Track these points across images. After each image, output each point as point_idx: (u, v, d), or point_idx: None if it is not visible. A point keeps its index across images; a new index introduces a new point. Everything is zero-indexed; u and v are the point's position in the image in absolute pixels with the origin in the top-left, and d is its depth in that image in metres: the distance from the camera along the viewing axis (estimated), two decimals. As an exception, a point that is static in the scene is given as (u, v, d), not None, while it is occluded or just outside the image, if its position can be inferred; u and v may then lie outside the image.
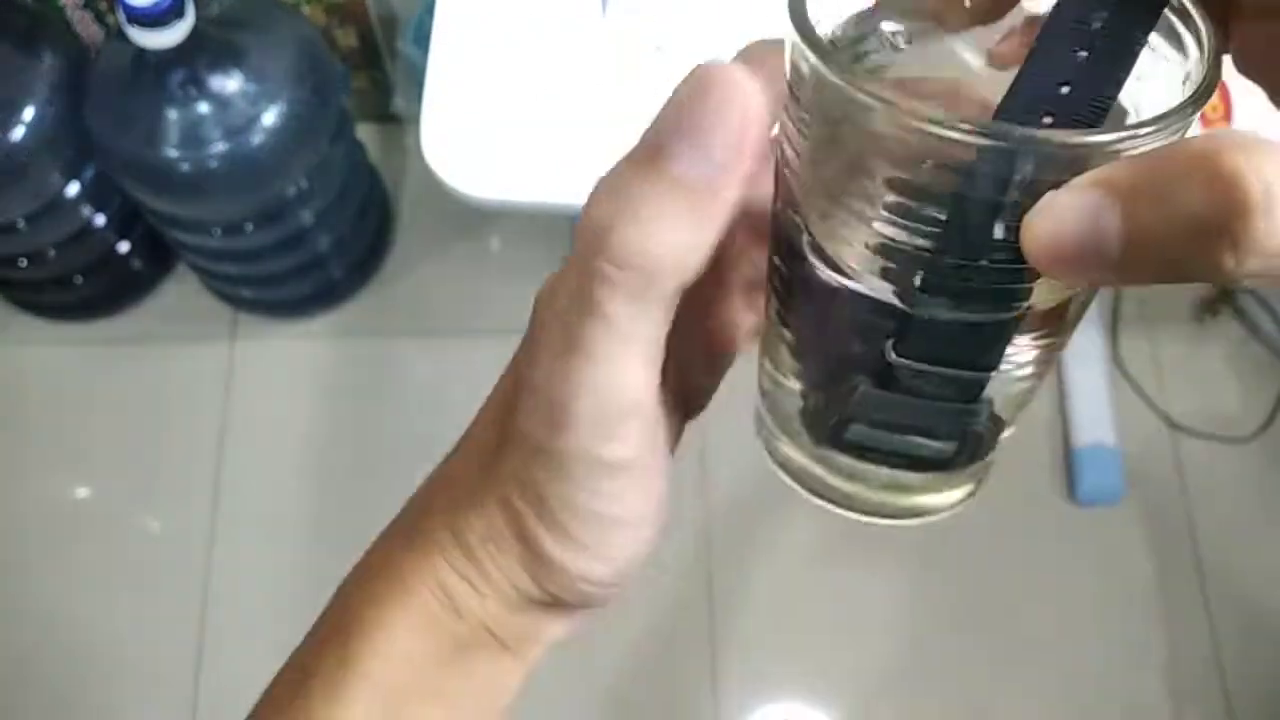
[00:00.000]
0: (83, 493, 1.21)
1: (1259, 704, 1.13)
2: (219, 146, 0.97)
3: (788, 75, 0.22)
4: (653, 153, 0.20)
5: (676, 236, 0.20)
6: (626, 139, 0.22)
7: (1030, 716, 1.14)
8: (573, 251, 0.22)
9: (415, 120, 0.77)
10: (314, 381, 1.25)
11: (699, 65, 0.20)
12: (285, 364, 1.26)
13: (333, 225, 1.17)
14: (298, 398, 1.24)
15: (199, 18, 0.91)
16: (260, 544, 1.17)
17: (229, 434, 1.22)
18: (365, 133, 1.26)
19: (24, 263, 1.16)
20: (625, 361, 0.22)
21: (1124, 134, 0.18)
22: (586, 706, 1.12)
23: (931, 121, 0.18)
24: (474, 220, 1.30)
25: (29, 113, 1.00)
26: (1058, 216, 0.18)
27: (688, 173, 0.20)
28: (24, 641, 1.13)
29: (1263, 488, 1.22)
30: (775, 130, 0.23)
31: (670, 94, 0.20)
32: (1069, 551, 1.19)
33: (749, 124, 0.20)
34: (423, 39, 0.94)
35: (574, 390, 0.22)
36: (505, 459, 0.24)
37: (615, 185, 0.21)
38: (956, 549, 1.14)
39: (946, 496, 0.27)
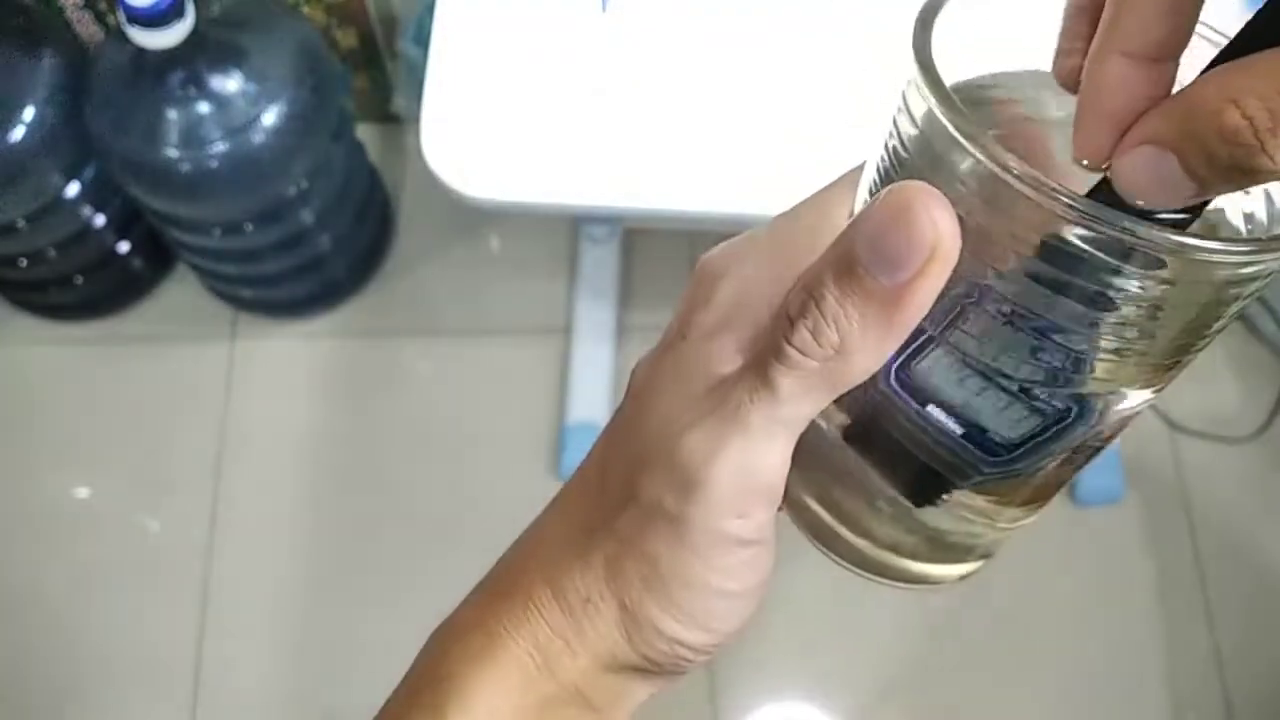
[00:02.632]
0: (83, 493, 1.21)
1: (1259, 704, 1.13)
2: (219, 146, 0.97)
3: (896, 112, 0.21)
4: (851, 262, 0.20)
5: (868, 344, 0.21)
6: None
7: (1030, 717, 1.14)
8: (675, 316, 0.24)
9: (415, 120, 0.77)
10: (314, 381, 1.25)
11: (901, 185, 0.20)
12: (285, 364, 1.26)
13: (333, 225, 1.17)
14: (298, 398, 1.24)
15: (199, 18, 0.91)
16: (260, 543, 1.17)
17: (229, 434, 1.22)
18: (365, 133, 1.26)
19: (24, 263, 1.16)
20: (776, 444, 0.22)
21: (1254, 247, 0.18)
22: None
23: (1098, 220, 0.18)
24: (474, 220, 1.30)
25: (29, 113, 1.00)
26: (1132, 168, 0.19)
27: (887, 286, 0.20)
28: (24, 640, 1.14)
29: (1263, 488, 1.22)
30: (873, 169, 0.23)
31: (871, 206, 0.20)
32: (1069, 551, 1.19)
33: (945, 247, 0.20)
34: (423, 39, 0.94)
35: (720, 463, 0.22)
36: (618, 521, 0.24)
37: (813, 283, 0.21)
38: (956, 549, 1.14)
39: (951, 569, 0.27)
